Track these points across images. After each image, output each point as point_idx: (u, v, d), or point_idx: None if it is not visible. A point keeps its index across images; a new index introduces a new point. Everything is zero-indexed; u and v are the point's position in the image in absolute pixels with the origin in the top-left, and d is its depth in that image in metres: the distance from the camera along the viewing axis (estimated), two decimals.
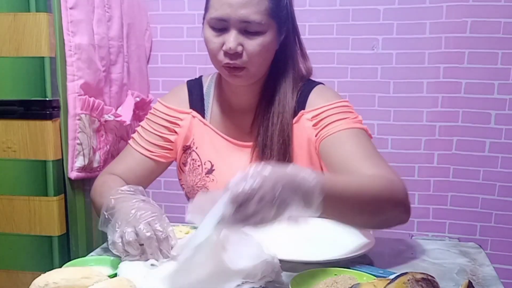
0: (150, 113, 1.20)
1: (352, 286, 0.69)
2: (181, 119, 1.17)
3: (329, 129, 1.07)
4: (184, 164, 1.18)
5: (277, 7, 1.06)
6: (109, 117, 1.42)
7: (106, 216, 0.92)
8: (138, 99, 1.62)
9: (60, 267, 0.82)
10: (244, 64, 1.05)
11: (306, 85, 1.15)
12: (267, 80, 1.15)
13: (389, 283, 0.65)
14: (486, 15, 1.55)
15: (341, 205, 0.86)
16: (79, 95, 1.29)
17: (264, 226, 0.75)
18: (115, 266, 0.85)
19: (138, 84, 1.68)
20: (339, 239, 1.03)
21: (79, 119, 1.29)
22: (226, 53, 1.04)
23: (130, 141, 1.19)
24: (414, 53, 1.62)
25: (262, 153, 1.10)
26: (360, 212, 0.90)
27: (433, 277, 0.67)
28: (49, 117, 1.24)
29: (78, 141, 1.29)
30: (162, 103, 1.20)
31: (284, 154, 1.10)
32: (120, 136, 1.56)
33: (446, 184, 1.66)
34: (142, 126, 1.19)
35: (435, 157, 1.66)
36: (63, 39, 1.25)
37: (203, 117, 1.18)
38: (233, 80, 1.09)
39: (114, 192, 0.95)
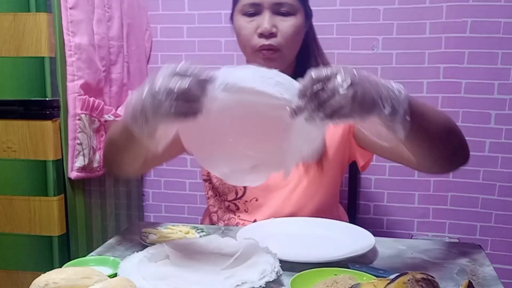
0: None
1: (352, 286, 0.69)
2: None
3: None
4: None
5: None
6: (109, 117, 1.42)
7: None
8: None
9: (60, 267, 0.82)
10: (278, 46, 1.10)
11: None
12: (295, 69, 1.19)
13: (389, 283, 0.65)
14: (486, 15, 1.55)
15: (423, 121, 0.83)
16: (79, 95, 1.29)
17: (344, 121, 0.73)
18: (115, 266, 0.85)
19: (138, 84, 1.67)
20: (339, 239, 1.03)
21: (79, 119, 1.29)
22: (261, 35, 1.10)
23: None
24: (414, 53, 1.62)
25: None
26: (437, 134, 0.87)
27: (433, 277, 0.67)
28: (49, 117, 1.24)
29: (78, 141, 1.29)
30: None
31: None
32: None
33: (446, 184, 1.66)
34: None
35: None
36: (63, 39, 1.25)
37: None
38: (267, 64, 1.11)
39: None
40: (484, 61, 1.58)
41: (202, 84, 0.75)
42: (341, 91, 0.71)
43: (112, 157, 1.04)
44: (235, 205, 1.21)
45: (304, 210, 1.18)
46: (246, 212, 1.20)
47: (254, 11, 1.10)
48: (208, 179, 1.24)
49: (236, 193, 1.20)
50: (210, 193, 1.27)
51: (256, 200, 1.19)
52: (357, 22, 1.64)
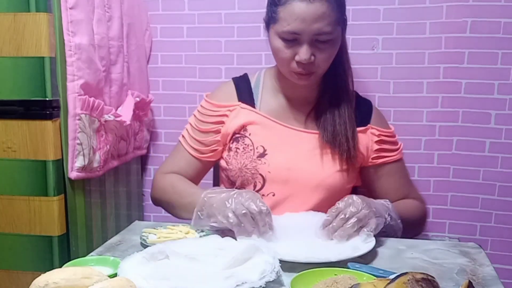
0: (198, 110, 1.27)
1: (352, 286, 0.69)
2: (230, 111, 1.23)
3: (387, 156, 1.24)
4: (231, 149, 1.22)
5: (342, 13, 1.15)
6: (109, 117, 1.42)
7: (199, 213, 1.06)
8: (138, 99, 1.62)
9: (60, 267, 0.82)
10: (315, 70, 1.13)
11: (360, 97, 1.28)
12: (326, 75, 1.21)
13: (389, 283, 0.65)
14: (486, 15, 1.55)
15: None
16: (79, 95, 1.29)
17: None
18: (115, 266, 0.85)
19: (138, 84, 1.68)
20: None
21: (79, 119, 1.29)
22: (299, 63, 1.11)
23: (180, 139, 1.27)
24: (414, 53, 1.62)
25: (333, 138, 1.18)
26: (408, 230, 1.14)
27: (433, 277, 0.67)
28: (49, 117, 1.24)
29: (78, 141, 1.29)
30: (210, 101, 1.26)
31: (354, 141, 1.19)
32: (120, 136, 1.56)
33: (446, 184, 1.66)
34: (190, 124, 1.27)
35: (435, 157, 1.66)
36: (63, 39, 1.25)
37: (253, 107, 1.23)
38: (301, 82, 1.16)
39: (204, 192, 1.08)
40: (484, 61, 1.58)
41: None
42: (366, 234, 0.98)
43: (162, 205, 1.26)
44: None
45: (321, 210, 1.16)
46: None
47: (293, 39, 1.10)
48: (226, 169, 1.24)
49: (255, 186, 1.20)
50: (226, 185, 1.27)
51: (273, 195, 1.19)
52: (357, 22, 1.64)
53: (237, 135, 1.22)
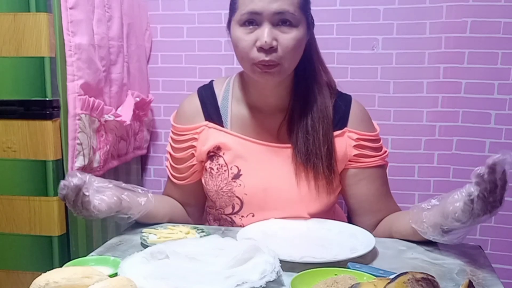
0: (170, 137, 1.25)
1: (352, 286, 0.70)
2: (198, 133, 1.18)
3: (366, 160, 1.15)
4: (206, 170, 1.19)
5: (306, 3, 1.08)
6: (109, 117, 1.42)
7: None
8: (138, 99, 1.62)
9: (60, 267, 0.82)
10: (279, 60, 1.04)
11: (340, 97, 1.19)
12: (296, 81, 1.15)
13: (389, 283, 0.65)
14: (486, 15, 1.55)
15: None
16: (79, 95, 1.29)
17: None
18: (115, 266, 0.85)
19: (138, 84, 1.68)
20: (339, 239, 1.03)
21: (79, 119, 1.29)
22: (261, 49, 1.02)
23: (167, 171, 1.26)
24: (414, 53, 1.62)
25: (307, 158, 1.11)
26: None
27: (433, 277, 0.67)
28: (49, 117, 1.24)
29: (78, 141, 1.29)
30: (176, 125, 1.22)
31: (330, 160, 1.12)
32: (120, 136, 1.56)
33: (446, 184, 1.66)
34: (168, 152, 1.25)
35: (435, 157, 1.66)
36: (63, 39, 1.25)
37: (222, 125, 1.17)
38: (265, 78, 1.07)
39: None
40: (484, 61, 1.58)
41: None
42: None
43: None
44: (231, 219, 1.20)
45: None
46: (242, 227, 1.15)
47: (253, 22, 1.03)
48: (206, 189, 1.22)
49: (233, 208, 1.18)
50: (210, 203, 1.26)
51: (253, 215, 1.17)
52: (357, 22, 1.64)
53: (212, 153, 1.17)
